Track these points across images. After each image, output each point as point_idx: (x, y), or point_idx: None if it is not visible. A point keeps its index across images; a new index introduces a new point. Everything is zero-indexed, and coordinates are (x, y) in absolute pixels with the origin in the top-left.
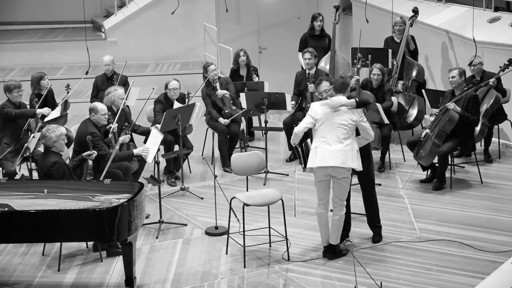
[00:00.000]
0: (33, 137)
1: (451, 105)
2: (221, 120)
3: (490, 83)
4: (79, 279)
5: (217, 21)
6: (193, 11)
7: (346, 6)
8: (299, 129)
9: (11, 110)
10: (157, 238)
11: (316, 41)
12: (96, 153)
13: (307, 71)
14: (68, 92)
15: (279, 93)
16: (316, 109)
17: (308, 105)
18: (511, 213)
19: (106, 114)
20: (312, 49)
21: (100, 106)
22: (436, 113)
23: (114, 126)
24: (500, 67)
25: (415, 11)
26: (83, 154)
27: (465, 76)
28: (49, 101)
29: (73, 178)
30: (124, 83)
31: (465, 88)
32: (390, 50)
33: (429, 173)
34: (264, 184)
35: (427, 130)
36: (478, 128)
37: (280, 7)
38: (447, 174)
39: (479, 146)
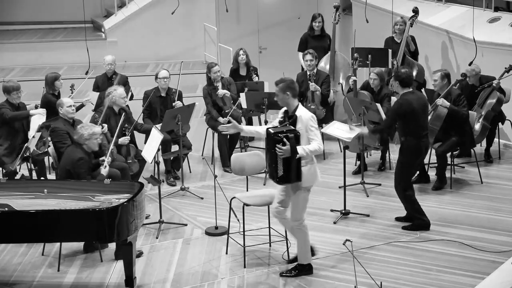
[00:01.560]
0: (33, 137)
1: (439, 100)
2: (221, 119)
3: (494, 84)
4: (79, 279)
5: (217, 21)
6: (193, 11)
7: (346, 6)
8: (322, 147)
9: (7, 112)
10: (157, 238)
11: (316, 41)
12: (110, 159)
13: (308, 72)
14: (72, 92)
15: None
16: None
17: (309, 105)
18: (511, 213)
19: (72, 106)
20: (312, 50)
21: (65, 100)
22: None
23: (104, 128)
24: (505, 68)
25: (415, 11)
26: (100, 159)
27: (448, 78)
28: None
29: (89, 179)
30: (125, 84)
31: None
32: (390, 50)
33: (416, 174)
34: (264, 184)
35: None
36: (478, 130)
37: (280, 7)
38: (447, 174)
39: (480, 146)
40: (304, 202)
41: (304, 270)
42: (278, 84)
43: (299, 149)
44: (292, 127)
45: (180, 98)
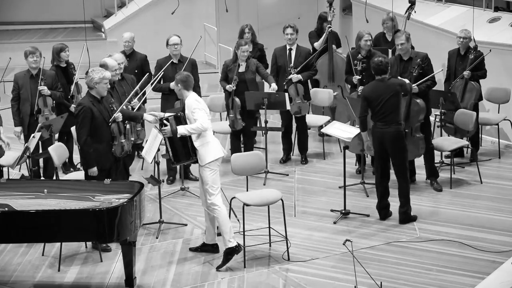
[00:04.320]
0: (33, 137)
1: (414, 87)
2: (228, 87)
3: (465, 76)
4: (79, 279)
5: (217, 21)
6: (193, 11)
7: (346, 6)
8: (205, 125)
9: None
10: (157, 238)
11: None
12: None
13: (288, 47)
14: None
15: (279, 93)
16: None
17: (296, 99)
18: (511, 213)
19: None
20: (294, 24)
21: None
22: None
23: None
24: (467, 54)
25: (412, 2)
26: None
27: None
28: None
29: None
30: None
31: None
32: (390, 50)
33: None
34: (264, 184)
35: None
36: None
37: (280, 7)
38: (447, 174)
39: (481, 146)
40: (211, 180)
41: (234, 251)
42: (175, 77)
43: (180, 128)
44: (182, 114)
45: (195, 68)
